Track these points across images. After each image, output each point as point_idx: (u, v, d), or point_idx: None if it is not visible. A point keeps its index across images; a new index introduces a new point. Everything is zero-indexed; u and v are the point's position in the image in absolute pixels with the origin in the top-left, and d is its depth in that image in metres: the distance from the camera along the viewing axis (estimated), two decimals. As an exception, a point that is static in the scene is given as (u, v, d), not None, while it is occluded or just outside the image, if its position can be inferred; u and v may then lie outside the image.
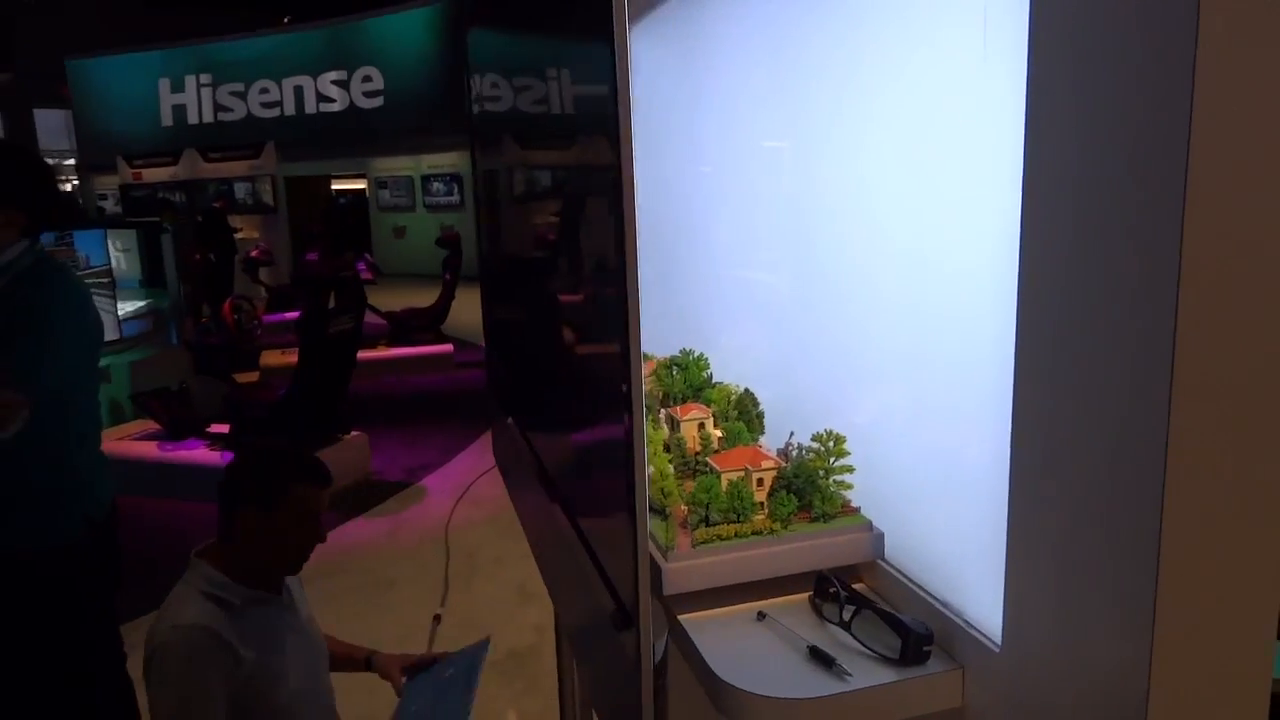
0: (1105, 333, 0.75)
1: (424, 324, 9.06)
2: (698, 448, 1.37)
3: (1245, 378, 0.70)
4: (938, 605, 1.06)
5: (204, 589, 1.78)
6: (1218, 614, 0.74)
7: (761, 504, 1.18)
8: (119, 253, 9.91)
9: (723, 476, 1.19)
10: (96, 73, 18.73)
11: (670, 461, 1.35)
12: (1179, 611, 0.73)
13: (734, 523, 1.15)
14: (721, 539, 1.13)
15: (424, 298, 9.63)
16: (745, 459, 1.21)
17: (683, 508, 1.19)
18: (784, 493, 1.16)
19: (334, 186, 19.03)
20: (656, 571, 1.12)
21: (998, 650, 0.94)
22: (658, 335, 2.22)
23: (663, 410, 1.49)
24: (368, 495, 5.61)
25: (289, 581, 1.97)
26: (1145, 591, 0.73)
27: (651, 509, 1.23)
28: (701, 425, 1.39)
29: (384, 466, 6.12)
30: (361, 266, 9.11)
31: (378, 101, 16.69)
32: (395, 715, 1.97)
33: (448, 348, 8.85)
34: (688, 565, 1.11)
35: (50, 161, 24.51)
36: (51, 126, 24.20)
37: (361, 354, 8.01)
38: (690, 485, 1.23)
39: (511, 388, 2.01)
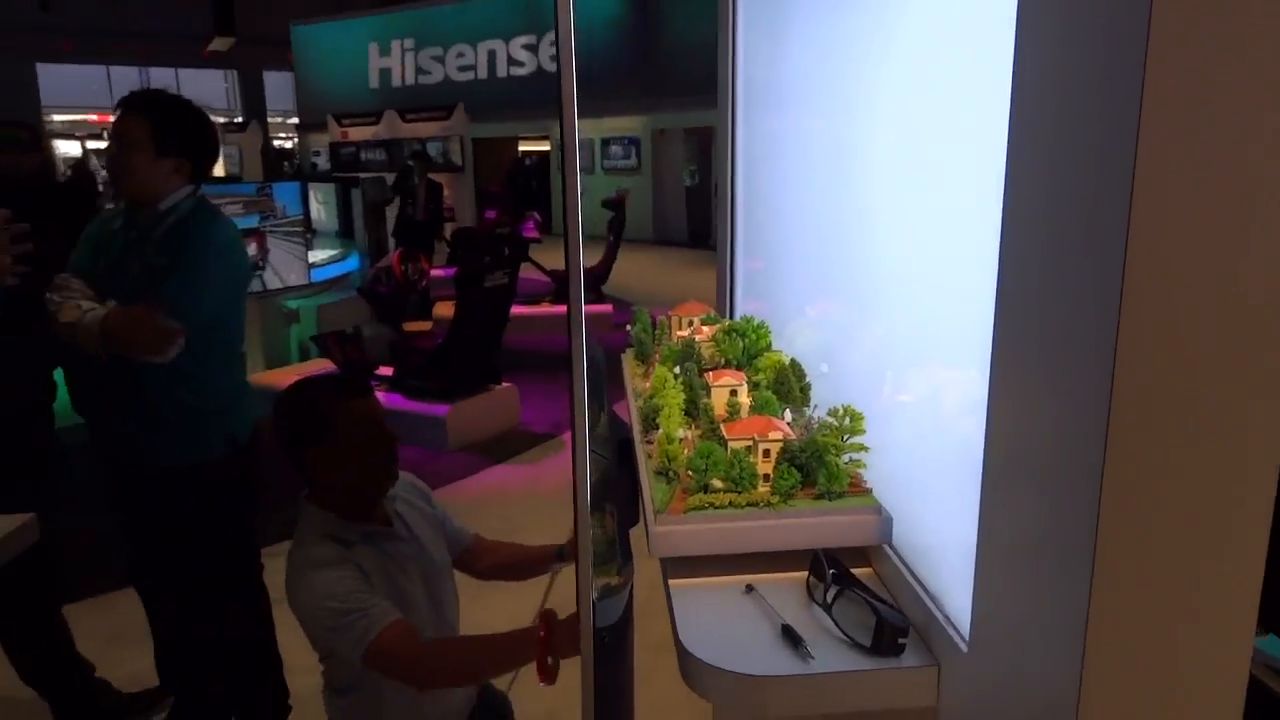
0: (1056, 350, 0.70)
1: (586, 284, 9.28)
2: (725, 414, 1.34)
3: (1181, 392, 0.63)
4: (925, 598, 0.99)
5: (323, 531, 1.82)
6: (1151, 638, 0.66)
7: (767, 476, 1.15)
8: (319, 205, 10.76)
9: (729, 445, 1.16)
10: (315, 38, 20.24)
11: (696, 427, 1.33)
12: (1110, 637, 0.65)
13: (736, 492, 1.13)
14: (715, 507, 1.11)
15: (594, 259, 9.85)
16: (755, 428, 1.17)
17: (688, 473, 1.17)
18: (787, 466, 1.12)
19: (520, 148, 19.72)
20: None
21: (966, 651, 0.88)
22: (748, 299, 2.19)
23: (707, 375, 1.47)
24: (513, 444, 5.86)
25: (405, 508, 1.97)
26: (1079, 611, 0.66)
27: (658, 472, 1.22)
28: (734, 392, 1.35)
29: (533, 418, 6.36)
30: (530, 226, 9.41)
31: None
32: None
33: (607, 308, 9.03)
34: (674, 530, 1.10)
35: (274, 120, 26.85)
36: (279, 89, 26.45)
37: (523, 310, 8.33)
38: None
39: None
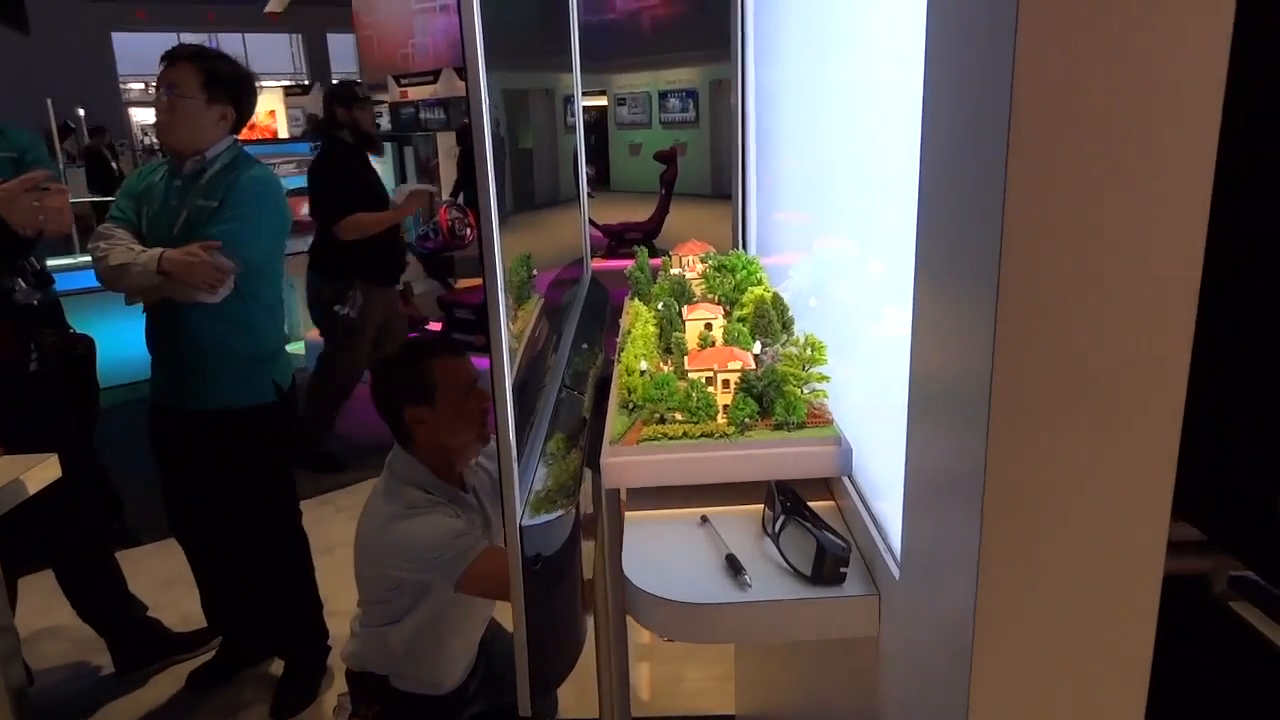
0: (952, 288, 0.67)
1: (639, 238, 9.23)
2: (698, 347, 1.31)
3: (1062, 330, 0.60)
4: (873, 529, 0.96)
5: (417, 483, 1.88)
6: (1046, 573, 0.63)
7: (727, 407, 1.12)
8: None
9: (688, 375, 1.14)
10: (376, -2, 20.31)
11: (670, 362, 1.31)
12: (1001, 569, 0.63)
13: (694, 423, 1.11)
14: (669, 438, 1.09)
15: (647, 213, 9.78)
16: (716, 359, 1.15)
17: (646, 404, 1.15)
18: (743, 396, 1.10)
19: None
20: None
21: (898, 579, 0.85)
22: (762, 248, 2.14)
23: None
24: (560, 398, 5.90)
25: (480, 477, 2.04)
26: (972, 543, 0.63)
27: (621, 405, 1.21)
28: (709, 326, 1.33)
29: (581, 372, 6.38)
30: (581, 180, 9.39)
31: (619, 17, 16.84)
32: None
33: (656, 262, 8.98)
34: (625, 461, 1.08)
35: (336, 82, 27.17)
36: (347, 52, 26.69)
37: (576, 265, 8.33)
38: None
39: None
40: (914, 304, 0.76)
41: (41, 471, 1.75)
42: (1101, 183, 0.56)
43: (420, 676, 1.98)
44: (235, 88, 2.55)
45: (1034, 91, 0.55)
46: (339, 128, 4.40)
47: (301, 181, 6.50)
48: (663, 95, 16.78)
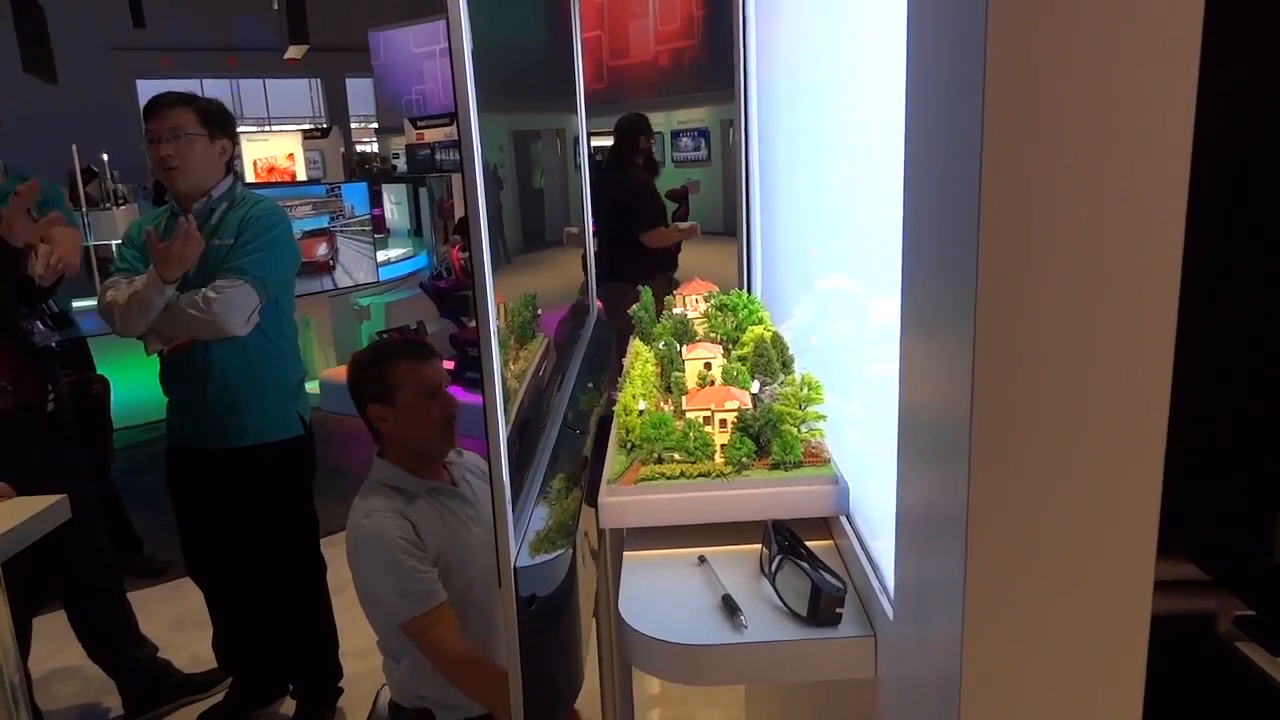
0: (934, 332, 0.68)
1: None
2: (697, 387, 1.32)
3: (1042, 367, 0.60)
4: (869, 568, 0.96)
5: (386, 482, 1.99)
6: (1030, 611, 0.63)
7: (725, 447, 1.13)
8: (393, 205, 11.03)
9: (686, 415, 1.14)
10: (392, 43, 20.72)
11: (670, 401, 1.32)
12: (987, 608, 0.62)
13: (691, 463, 1.11)
14: (666, 478, 1.09)
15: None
16: (713, 399, 1.15)
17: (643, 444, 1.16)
18: (740, 436, 1.10)
19: (593, 143, 19.81)
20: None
21: (891, 620, 0.85)
22: (767, 285, 2.15)
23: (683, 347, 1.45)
24: (572, 435, 5.89)
25: (475, 479, 2.12)
26: (958, 582, 0.63)
27: (620, 444, 1.21)
28: (708, 365, 1.33)
29: (594, 409, 6.37)
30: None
31: (631, 60, 17.07)
32: None
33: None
34: (623, 501, 1.09)
35: (360, 125, 27.61)
36: (366, 96, 27.13)
37: (588, 303, 8.36)
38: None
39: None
40: (900, 344, 0.77)
41: (52, 512, 1.76)
42: (1072, 215, 0.57)
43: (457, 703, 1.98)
44: (226, 123, 2.62)
45: (1004, 143, 0.56)
46: (638, 153, 5.03)
47: (317, 223, 6.61)
48: (675, 134, 16.93)
